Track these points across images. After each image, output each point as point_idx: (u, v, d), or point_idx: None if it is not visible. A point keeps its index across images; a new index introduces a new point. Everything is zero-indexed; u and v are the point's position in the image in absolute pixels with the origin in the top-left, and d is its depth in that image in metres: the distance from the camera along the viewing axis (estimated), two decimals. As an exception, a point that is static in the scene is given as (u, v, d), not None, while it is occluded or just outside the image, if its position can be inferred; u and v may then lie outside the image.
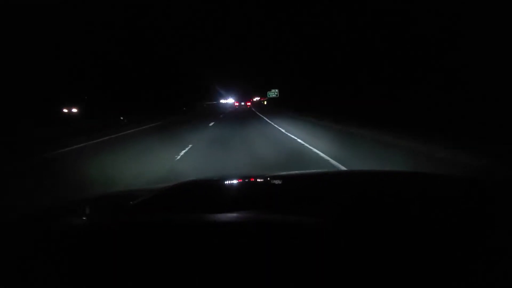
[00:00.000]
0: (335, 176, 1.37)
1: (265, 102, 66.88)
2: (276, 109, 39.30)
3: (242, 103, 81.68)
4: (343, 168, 5.59)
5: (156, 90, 42.07)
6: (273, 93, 54.53)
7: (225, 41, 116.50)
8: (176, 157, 7.15)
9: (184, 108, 47.27)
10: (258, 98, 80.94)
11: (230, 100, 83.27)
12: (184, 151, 7.93)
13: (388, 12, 14.78)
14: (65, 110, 25.68)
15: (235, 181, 1.20)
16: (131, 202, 1.08)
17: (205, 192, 1.17)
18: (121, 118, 21.88)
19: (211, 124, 18.15)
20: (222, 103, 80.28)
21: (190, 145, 8.88)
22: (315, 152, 7.19)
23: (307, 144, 8.35)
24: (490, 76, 9.40)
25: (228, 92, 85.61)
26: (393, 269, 0.76)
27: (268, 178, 1.24)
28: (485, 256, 0.78)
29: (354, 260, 0.78)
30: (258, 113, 30.67)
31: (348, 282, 0.75)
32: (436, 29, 11.87)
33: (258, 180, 1.23)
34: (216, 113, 35.87)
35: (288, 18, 40.43)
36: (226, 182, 1.19)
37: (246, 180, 1.20)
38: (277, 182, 1.22)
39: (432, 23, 11.93)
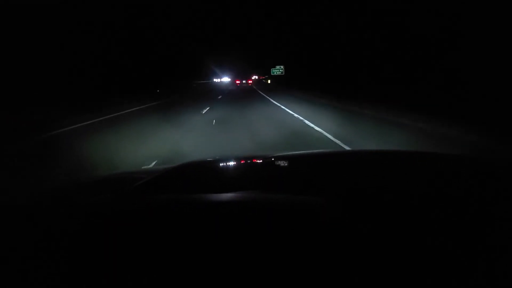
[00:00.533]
0: (339, 156, 1.37)
1: (269, 81, 58.24)
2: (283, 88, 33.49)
3: (244, 81, 76.98)
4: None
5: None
6: (278, 70, 47.82)
7: (225, 40, 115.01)
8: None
9: (158, 91, 32.11)
10: (256, 77, 78.15)
11: (226, 79, 76.48)
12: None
13: (387, 12, 14.83)
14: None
15: (238, 162, 1.20)
16: (135, 184, 1.09)
17: (207, 173, 1.17)
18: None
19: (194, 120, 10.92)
20: (216, 82, 74.24)
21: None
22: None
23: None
24: (489, 76, 9.44)
25: (223, 70, 79.69)
26: (400, 250, 0.77)
27: (272, 159, 1.24)
28: (492, 238, 0.79)
29: (360, 240, 0.79)
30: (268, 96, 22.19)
31: (353, 263, 0.76)
32: (436, 29, 11.90)
33: (261, 160, 1.23)
34: (208, 97, 24.28)
35: (287, 17, 40.03)
36: (229, 163, 1.19)
37: (249, 161, 1.20)
38: (281, 162, 1.22)
39: (431, 23, 11.96)
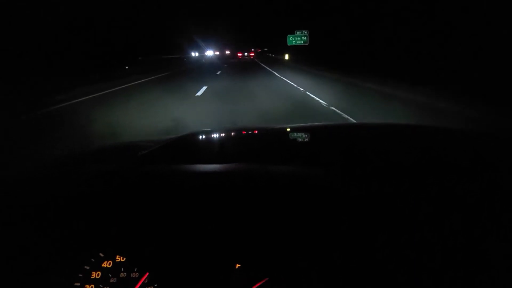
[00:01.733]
0: (341, 129, 1.37)
1: (286, 56, 37.97)
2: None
3: (246, 54, 74.15)
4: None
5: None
6: (299, 38, 29.05)
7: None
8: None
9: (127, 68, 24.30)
10: (251, 51, 75.67)
11: (210, 52, 63.50)
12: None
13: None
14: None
15: (240, 133, 1.20)
16: (140, 153, 1.10)
17: (209, 143, 1.18)
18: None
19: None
20: (195, 56, 59.73)
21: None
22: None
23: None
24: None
25: (208, 42, 64.85)
26: (399, 218, 0.78)
27: (274, 130, 1.24)
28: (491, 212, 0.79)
29: (358, 210, 0.80)
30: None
31: (353, 233, 0.77)
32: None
33: (263, 132, 1.23)
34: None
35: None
36: (231, 134, 1.20)
37: (250, 132, 1.20)
38: (281, 134, 1.22)
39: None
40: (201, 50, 64.40)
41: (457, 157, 1.11)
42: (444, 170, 0.98)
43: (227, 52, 75.34)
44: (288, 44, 29.42)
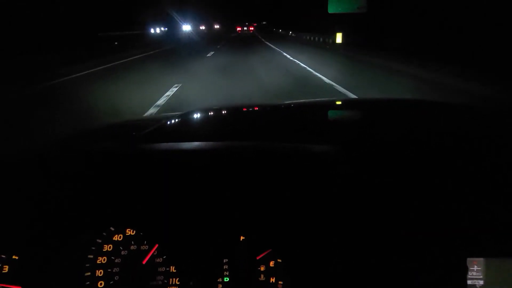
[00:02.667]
0: (344, 105, 1.37)
1: (338, 37, 18.51)
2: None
3: (245, 28, 69.22)
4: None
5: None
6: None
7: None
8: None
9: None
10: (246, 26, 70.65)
11: (187, 27, 44.16)
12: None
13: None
14: None
15: (241, 110, 1.21)
16: (140, 131, 1.11)
17: (211, 121, 1.19)
18: None
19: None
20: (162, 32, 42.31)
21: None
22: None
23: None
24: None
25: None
26: (405, 195, 0.80)
27: (276, 107, 1.25)
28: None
29: (364, 188, 0.82)
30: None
31: (357, 210, 0.80)
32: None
33: (264, 109, 1.24)
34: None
35: None
36: (233, 111, 1.20)
37: (251, 109, 1.21)
38: (285, 110, 1.23)
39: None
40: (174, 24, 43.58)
41: (462, 133, 1.10)
42: (451, 148, 0.99)
43: (216, 27, 66.28)
44: (330, 12, 15.02)
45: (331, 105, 1.37)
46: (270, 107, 1.25)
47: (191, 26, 45.57)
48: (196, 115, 1.22)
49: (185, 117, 1.20)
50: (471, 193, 0.78)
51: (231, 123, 1.18)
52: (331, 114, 1.21)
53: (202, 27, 53.54)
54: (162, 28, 43.20)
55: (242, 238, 0.83)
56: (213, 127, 1.15)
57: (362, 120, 1.17)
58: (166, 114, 1.47)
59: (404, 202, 0.79)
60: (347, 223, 0.79)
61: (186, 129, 1.11)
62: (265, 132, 1.07)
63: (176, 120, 1.18)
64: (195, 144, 1.01)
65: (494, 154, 0.91)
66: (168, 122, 1.16)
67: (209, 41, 33.00)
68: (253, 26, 75.11)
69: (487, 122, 1.23)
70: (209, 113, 1.24)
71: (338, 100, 1.52)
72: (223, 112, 1.21)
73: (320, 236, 0.79)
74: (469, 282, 0.74)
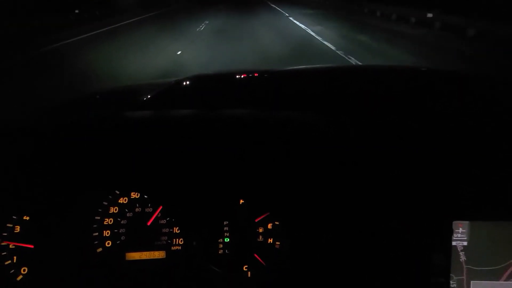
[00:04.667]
0: (346, 72, 1.36)
1: None
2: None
3: None
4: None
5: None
6: None
7: None
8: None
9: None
10: None
11: None
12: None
13: None
14: None
15: (241, 76, 1.21)
16: (140, 98, 1.11)
17: (210, 87, 1.19)
18: None
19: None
20: None
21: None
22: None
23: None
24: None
25: None
26: (404, 164, 0.82)
27: (276, 74, 1.24)
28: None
29: (360, 158, 0.84)
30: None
31: (349, 175, 0.84)
32: None
33: (265, 75, 1.23)
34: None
35: None
36: (232, 77, 1.20)
37: (251, 75, 1.20)
38: (284, 77, 1.23)
39: None
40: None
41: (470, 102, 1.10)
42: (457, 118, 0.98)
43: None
44: None
45: (329, 71, 1.36)
46: (267, 73, 1.24)
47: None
48: (196, 81, 1.22)
49: (185, 83, 1.20)
50: (459, 160, 0.81)
51: (231, 89, 1.19)
52: (328, 81, 1.21)
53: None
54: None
55: (241, 201, 0.87)
56: (213, 93, 1.16)
57: (358, 88, 1.17)
58: (163, 80, 1.47)
59: (395, 168, 0.82)
60: (341, 188, 0.83)
61: (187, 96, 1.12)
62: (264, 99, 1.08)
63: (177, 85, 1.18)
64: (197, 111, 1.03)
65: (481, 122, 0.93)
66: (169, 88, 1.17)
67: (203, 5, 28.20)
68: None
69: (475, 88, 1.23)
70: (210, 79, 1.24)
71: (336, 67, 1.50)
72: (221, 78, 1.21)
73: (316, 200, 0.83)
74: (453, 243, 0.79)
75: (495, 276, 0.80)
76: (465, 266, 0.80)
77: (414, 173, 0.82)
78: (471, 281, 0.80)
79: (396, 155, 0.84)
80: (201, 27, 14.21)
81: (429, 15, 12.31)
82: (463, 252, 0.80)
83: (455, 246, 0.80)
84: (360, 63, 6.38)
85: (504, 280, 0.80)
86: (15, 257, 0.84)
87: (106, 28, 14.12)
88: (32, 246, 0.84)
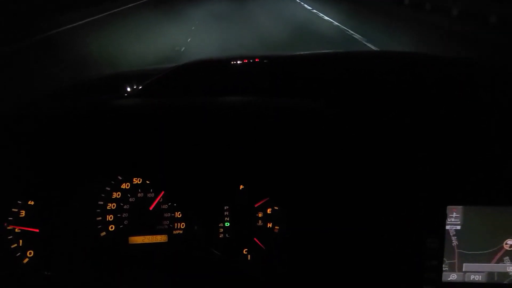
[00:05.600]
0: (347, 58, 1.34)
1: None
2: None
3: None
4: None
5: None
6: None
7: None
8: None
9: None
10: None
11: None
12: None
13: None
14: None
15: (243, 62, 1.20)
16: (141, 84, 1.11)
17: (211, 73, 1.18)
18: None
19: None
20: None
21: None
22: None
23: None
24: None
25: None
26: (403, 150, 0.84)
27: (278, 59, 1.23)
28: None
29: (357, 144, 0.86)
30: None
31: (347, 161, 0.85)
32: None
33: (266, 60, 1.22)
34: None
35: None
36: (234, 63, 1.19)
37: (252, 61, 1.19)
38: (285, 63, 1.22)
39: None
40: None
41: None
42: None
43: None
44: None
45: (332, 57, 1.34)
46: (269, 58, 1.23)
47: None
48: (197, 66, 1.21)
49: (186, 68, 1.19)
50: (455, 146, 0.83)
51: (232, 75, 1.18)
52: (330, 67, 1.20)
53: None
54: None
55: (241, 187, 0.89)
56: (214, 79, 1.16)
57: (361, 74, 1.16)
58: (163, 66, 1.46)
59: (392, 155, 0.84)
60: (339, 173, 0.85)
61: (187, 81, 1.12)
62: (266, 86, 1.08)
63: (177, 70, 1.17)
64: (197, 97, 1.04)
65: (477, 109, 0.94)
66: (170, 74, 1.16)
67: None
68: None
69: (475, 74, 1.23)
70: (211, 65, 1.23)
71: (338, 53, 1.47)
72: (221, 64, 1.20)
73: (314, 186, 0.85)
74: (447, 227, 0.82)
75: (486, 259, 0.83)
76: (457, 250, 0.83)
77: (411, 159, 0.84)
78: (463, 264, 0.83)
79: (393, 142, 0.85)
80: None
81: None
82: (456, 237, 0.82)
83: (448, 230, 0.82)
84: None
85: (495, 263, 0.83)
86: (21, 241, 0.86)
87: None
88: (37, 230, 0.86)
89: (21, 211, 0.86)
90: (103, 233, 0.89)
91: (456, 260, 0.83)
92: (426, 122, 0.88)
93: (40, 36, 8.92)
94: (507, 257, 0.83)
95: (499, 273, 0.84)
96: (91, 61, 6.02)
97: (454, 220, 0.82)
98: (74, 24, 10.53)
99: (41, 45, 8.27)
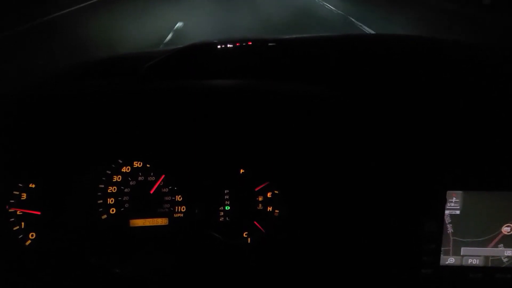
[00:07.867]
0: (349, 41, 1.32)
1: None
2: None
3: None
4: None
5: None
6: None
7: None
8: None
9: None
10: None
11: None
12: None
13: None
14: None
15: (244, 44, 1.18)
16: (142, 66, 1.10)
17: (212, 56, 1.17)
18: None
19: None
20: None
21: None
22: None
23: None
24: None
25: None
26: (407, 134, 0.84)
27: (281, 42, 1.21)
28: None
29: (360, 130, 0.85)
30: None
31: (347, 146, 0.85)
32: None
33: (268, 43, 1.21)
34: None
35: None
36: (235, 45, 1.18)
37: (253, 43, 1.17)
38: (287, 46, 1.20)
39: None
40: None
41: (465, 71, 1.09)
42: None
43: None
44: None
45: (332, 41, 1.32)
46: (270, 41, 1.22)
47: None
48: (197, 49, 1.20)
49: (186, 51, 1.18)
50: (455, 131, 0.83)
51: (233, 57, 1.17)
52: (331, 51, 1.18)
53: None
54: None
55: (242, 171, 0.89)
56: (214, 62, 1.15)
57: (364, 58, 1.14)
58: (163, 48, 1.44)
59: (393, 140, 0.84)
60: (339, 158, 0.85)
61: (187, 64, 1.11)
62: (267, 68, 1.07)
63: (177, 53, 1.16)
64: (198, 80, 1.03)
65: (477, 94, 0.94)
66: (170, 56, 1.15)
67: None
68: None
69: (475, 57, 1.21)
70: (211, 47, 1.21)
71: (338, 36, 1.44)
72: (222, 46, 1.19)
73: (314, 170, 0.85)
74: (446, 212, 0.82)
75: (483, 244, 0.84)
76: (454, 235, 0.83)
77: (412, 144, 0.83)
78: (461, 248, 0.84)
79: (394, 126, 0.85)
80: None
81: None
82: (455, 221, 0.83)
83: (447, 215, 0.83)
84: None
85: (493, 247, 0.84)
86: (23, 223, 0.87)
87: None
88: (39, 213, 0.87)
89: (23, 194, 0.87)
90: (104, 216, 0.90)
91: (451, 247, 0.84)
92: (426, 107, 0.87)
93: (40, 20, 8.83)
94: (505, 242, 0.84)
95: (497, 257, 0.84)
96: (90, 42, 5.99)
97: (453, 205, 0.82)
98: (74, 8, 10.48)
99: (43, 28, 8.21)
